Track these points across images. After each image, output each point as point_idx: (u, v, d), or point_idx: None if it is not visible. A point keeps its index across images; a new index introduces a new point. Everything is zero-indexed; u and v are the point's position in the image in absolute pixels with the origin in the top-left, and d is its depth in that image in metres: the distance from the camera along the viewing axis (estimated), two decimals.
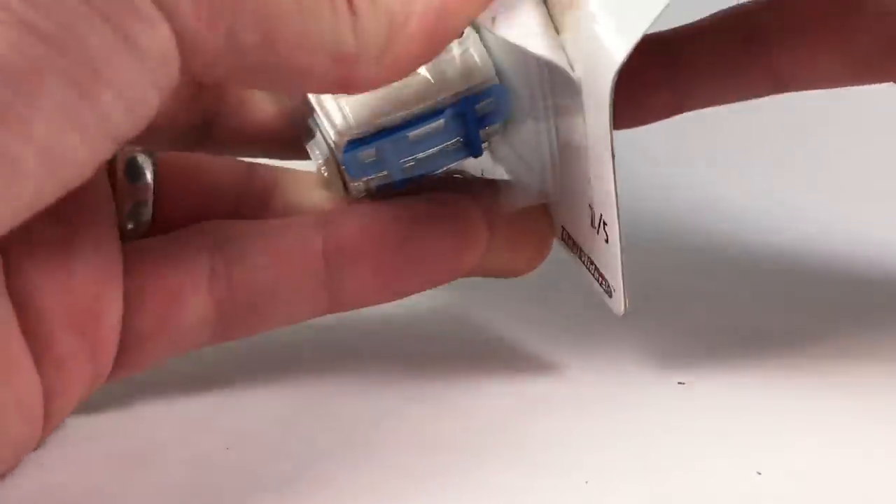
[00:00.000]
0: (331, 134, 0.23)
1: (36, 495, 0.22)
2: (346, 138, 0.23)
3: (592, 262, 0.24)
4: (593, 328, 0.27)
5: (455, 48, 0.23)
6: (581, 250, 0.24)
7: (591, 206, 0.22)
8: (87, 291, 0.21)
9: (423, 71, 0.23)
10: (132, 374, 0.24)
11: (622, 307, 0.23)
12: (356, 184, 0.24)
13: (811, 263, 0.33)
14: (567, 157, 0.23)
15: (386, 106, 0.23)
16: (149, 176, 0.24)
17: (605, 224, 0.22)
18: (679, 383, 0.26)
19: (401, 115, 0.23)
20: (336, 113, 0.23)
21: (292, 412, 0.25)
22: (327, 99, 0.23)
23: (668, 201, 0.38)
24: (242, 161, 0.26)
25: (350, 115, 0.23)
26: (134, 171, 0.24)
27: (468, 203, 0.25)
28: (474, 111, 0.23)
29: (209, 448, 0.24)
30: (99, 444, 0.24)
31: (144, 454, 0.24)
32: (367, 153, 0.23)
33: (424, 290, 0.25)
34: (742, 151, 0.41)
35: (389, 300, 0.25)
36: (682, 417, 0.24)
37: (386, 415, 0.25)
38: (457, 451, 0.23)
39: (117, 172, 0.24)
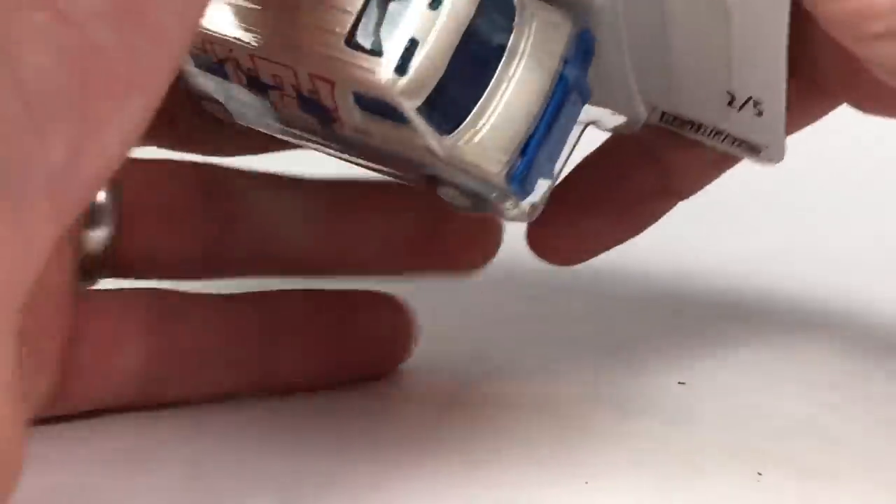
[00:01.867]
0: (485, 176, 0.21)
1: (36, 495, 0.22)
2: (503, 174, 0.21)
3: (723, 132, 0.23)
4: (593, 328, 0.27)
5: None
6: (702, 126, 0.24)
7: (730, 92, 0.22)
8: (39, 310, 0.21)
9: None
10: (70, 410, 0.24)
11: (782, 154, 0.23)
12: (524, 206, 0.22)
13: (811, 263, 0.33)
14: (687, 50, 0.22)
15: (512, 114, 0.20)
16: (107, 227, 0.25)
17: (758, 103, 0.22)
18: (679, 383, 0.26)
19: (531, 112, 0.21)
20: (475, 154, 0.20)
21: (292, 412, 0.25)
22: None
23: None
24: (207, 164, 0.26)
25: (491, 147, 0.20)
26: (95, 217, 0.24)
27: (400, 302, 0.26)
28: (581, 61, 0.21)
29: (209, 448, 0.24)
30: (99, 444, 0.24)
31: (144, 454, 0.24)
32: (528, 174, 0.21)
33: (351, 379, 0.26)
34: None
35: (320, 384, 0.26)
36: (682, 417, 0.24)
37: (386, 415, 0.25)
38: (457, 451, 0.23)
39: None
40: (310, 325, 0.26)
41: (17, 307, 0.15)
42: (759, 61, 0.22)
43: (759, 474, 0.22)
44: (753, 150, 0.24)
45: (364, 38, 0.19)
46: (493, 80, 0.20)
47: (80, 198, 0.15)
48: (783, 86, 0.22)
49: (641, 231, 0.26)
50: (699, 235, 0.36)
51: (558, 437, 0.24)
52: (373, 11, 0.19)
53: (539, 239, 0.25)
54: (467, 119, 0.20)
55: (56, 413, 0.24)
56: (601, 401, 0.25)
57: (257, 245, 0.26)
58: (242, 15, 0.20)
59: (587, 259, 0.25)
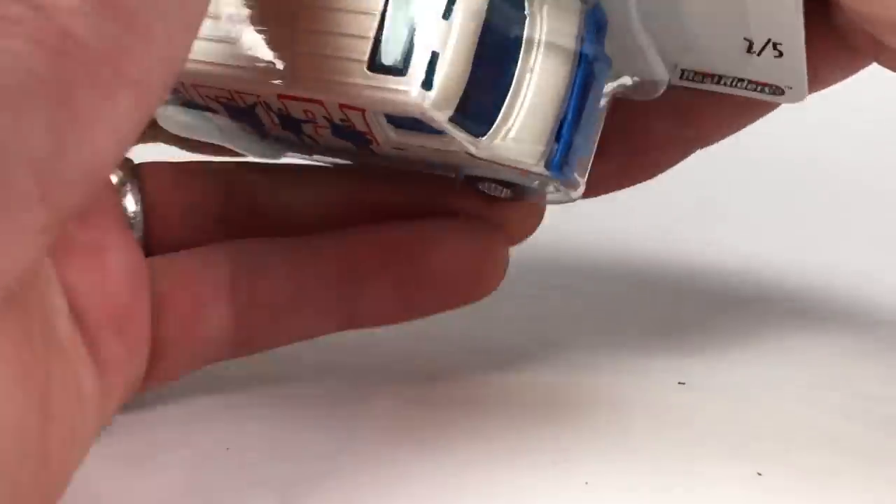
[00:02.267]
0: (524, 168, 0.21)
1: None
2: (541, 163, 0.21)
3: (745, 80, 0.23)
4: (593, 328, 0.27)
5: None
6: (722, 77, 0.24)
7: (747, 38, 0.22)
8: (121, 294, 0.21)
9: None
10: (157, 385, 0.24)
11: (805, 94, 0.23)
12: (571, 192, 0.23)
13: (811, 263, 0.33)
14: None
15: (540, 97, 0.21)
16: (134, 205, 0.24)
17: (777, 44, 0.22)
18: (679, 383, 0.26)
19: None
20: (511, 149, 0.21)
21: (292, 412, 0.25)
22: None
23: (666, 202, 0.38)
24: (226, 163, 0.26)
25: (526, 140, 0.21)
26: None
27: (489, 225, 0.25)
28: (596, 36, 0.21)
29: (209, 448, 0.24)
30: (99, 444, 0.24)
31: (144, 454, 0.24)
32: (566, 158, 0.21)
33: (442, 311, 0.25)
34: (741, 154, 0.41)
35: (407, 318, 0.25)
36: (683, 417, 0.24)
37: (386, 415, 0.25)
38: (457, 451, 0.23)
39: None
40: (390, 260, 0.25)
41: None
42: (774, 2, 0.22)
43: (759, 474, 0.22)
44: (777, 92, 0.24)
45: (386, 59, 0.19)
46: (515, 73, 0.20)
47: (74, 192, 0.15)
48: (800, 24, 0.22)
49: (654, 175, 0.25)
50: (699, 234, 0.36)
51: (557, 437, 0.24)
52: (389, 32, 0.19)
53: None
54: (498, 118, 0.20)
55: (144, 391, 0.23)
56: (601, 400, 0.25)
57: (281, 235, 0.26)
58: (264, 57, 0.20)
59: (593, 196, 0.25)
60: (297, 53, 0.20)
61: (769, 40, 0.23)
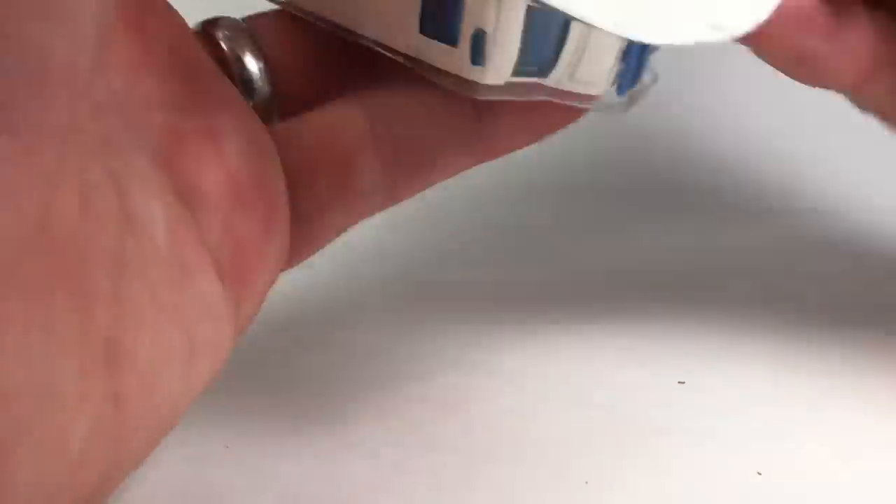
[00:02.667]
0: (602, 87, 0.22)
1: None
2: (613, 90, 0.22)
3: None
4: (593, 328, 0.27)
5: None
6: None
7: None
8: (241, 171, 0.20)
9: None
10: (314, 251, 0.23)
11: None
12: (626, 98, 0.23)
13: (811, 263, 0.33)
14: None
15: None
16: (255, 64, 0.24)
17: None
18: (679, 383, 0.26)
19: None
20: (581, 85, 0.21)
21: (292, 412, 0.25)
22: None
23: (666, 201, 0.38)
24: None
25: (596, 73, 0.21)
26: (248, 83, 0.23)
27: None
28: None
29: (209, 448, 0.24)
30: None
31: None
32: (633, 79, 0.22)
33: (562, 128, 0.25)
34: (741, 152, 0.41)
35: (536, 141, 0.25)
36: (682, 417, 0.24)
37: (386, 414, 0.25)
38: (457, 451, 0.23)
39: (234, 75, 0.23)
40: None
41: None
42: None
43: (759, 474, 0.22)
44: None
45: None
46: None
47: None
48: None
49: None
50: (699, 233, 0.36)
51: (557, 437, 0.24)
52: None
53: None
54: (560, 57, 0.20)
55: (293, 264, 0.23)
56: (601, 401, 0.25)
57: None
58: None
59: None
60: None
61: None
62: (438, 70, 0.21)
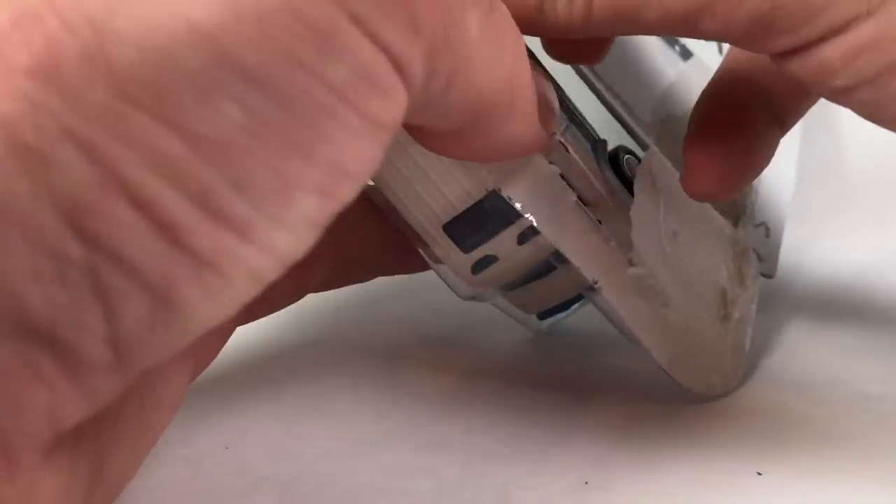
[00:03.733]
0: None
1: None
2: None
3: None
4: (593, 329, 0.27)
5: None
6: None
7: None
8: None
9: None
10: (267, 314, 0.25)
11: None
12: None
13: (810, 262, 0.33)
14: None
15: None
16: None
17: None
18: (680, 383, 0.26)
19: None
20: None
21: (292, 412, 0.25)
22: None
23: None
24: None
25: None
26: None
27: None
28: None
29: (209, 448, 0.24)
30: None
31: None
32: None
33: None
34: None
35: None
36: (683, 418, 0.24)
37: (386, 415, 0.25)
38: (457, 450, 0.23)
39: None
40: None
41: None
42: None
43: (759, 474, 0.22)
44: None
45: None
46: None
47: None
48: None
49: (763, 167, 0.26)
50: None
51: (557, 438, 0.24)
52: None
53: (693, 184, 0.25)
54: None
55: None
56: (600, 401, 0.25)
57: None
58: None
59: (736, 189, 0.25)
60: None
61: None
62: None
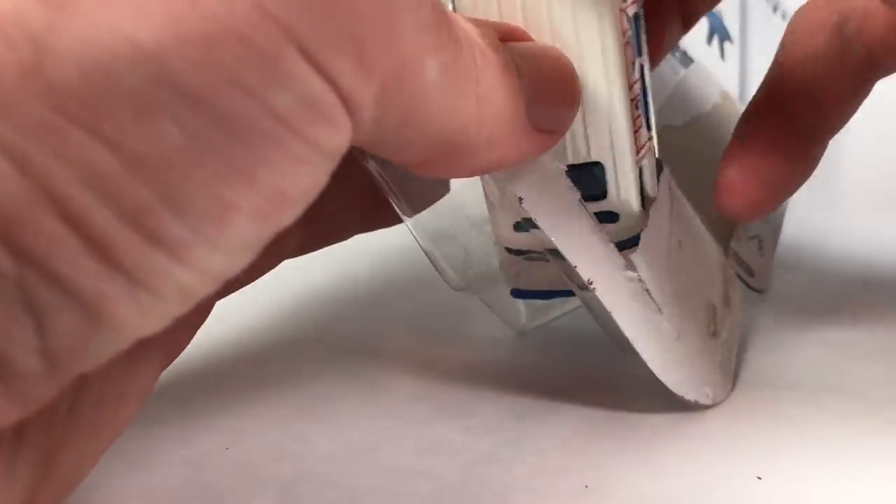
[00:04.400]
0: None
1: None
2: None
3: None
4: (593, 330, 0.27)
5: None
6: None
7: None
8: None
9: None
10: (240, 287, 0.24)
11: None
12: None
13: (810, 262, 0.33)
14: None
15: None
16: None
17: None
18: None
19: None
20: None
21: (292, 412, 0.25)
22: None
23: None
24: None
25: None
26: None
27: None
28: None
29: (209, 448, 0.24)
30: None
31: (144, 454, 0.24)
32: None
33: None
34: None
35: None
36: (682, 421, 0.24)
37: (386, 415, 0.25)
38: (457, 451, 0.23)
39: None
40: None
41: None
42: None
43: (759, 478, 0.22)
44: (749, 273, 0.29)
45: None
46: None
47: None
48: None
49: (810, 173, 0.25)
50: None
51: (558, 441, 0.24)
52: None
53: (728, 193, 0.24)
54: None
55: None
56: (600, 403, 0.25)
57: None
58: None
59: (771, 209, 0.25)
60: None
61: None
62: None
